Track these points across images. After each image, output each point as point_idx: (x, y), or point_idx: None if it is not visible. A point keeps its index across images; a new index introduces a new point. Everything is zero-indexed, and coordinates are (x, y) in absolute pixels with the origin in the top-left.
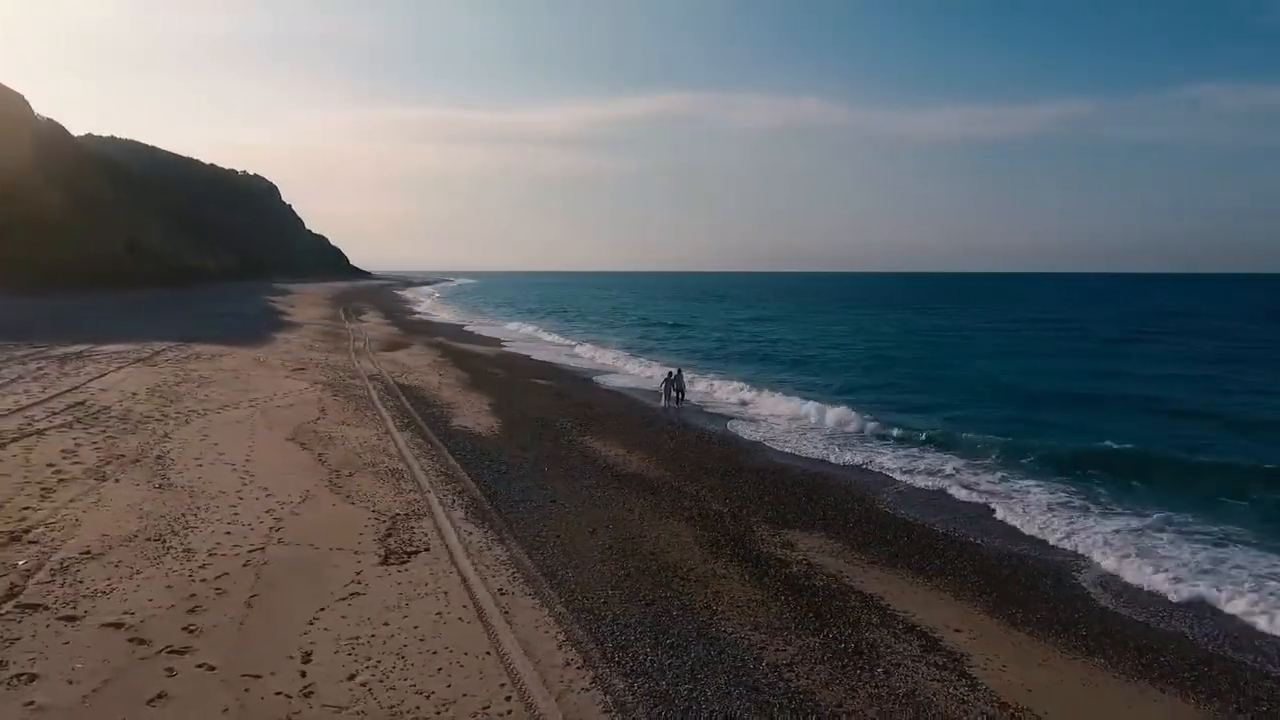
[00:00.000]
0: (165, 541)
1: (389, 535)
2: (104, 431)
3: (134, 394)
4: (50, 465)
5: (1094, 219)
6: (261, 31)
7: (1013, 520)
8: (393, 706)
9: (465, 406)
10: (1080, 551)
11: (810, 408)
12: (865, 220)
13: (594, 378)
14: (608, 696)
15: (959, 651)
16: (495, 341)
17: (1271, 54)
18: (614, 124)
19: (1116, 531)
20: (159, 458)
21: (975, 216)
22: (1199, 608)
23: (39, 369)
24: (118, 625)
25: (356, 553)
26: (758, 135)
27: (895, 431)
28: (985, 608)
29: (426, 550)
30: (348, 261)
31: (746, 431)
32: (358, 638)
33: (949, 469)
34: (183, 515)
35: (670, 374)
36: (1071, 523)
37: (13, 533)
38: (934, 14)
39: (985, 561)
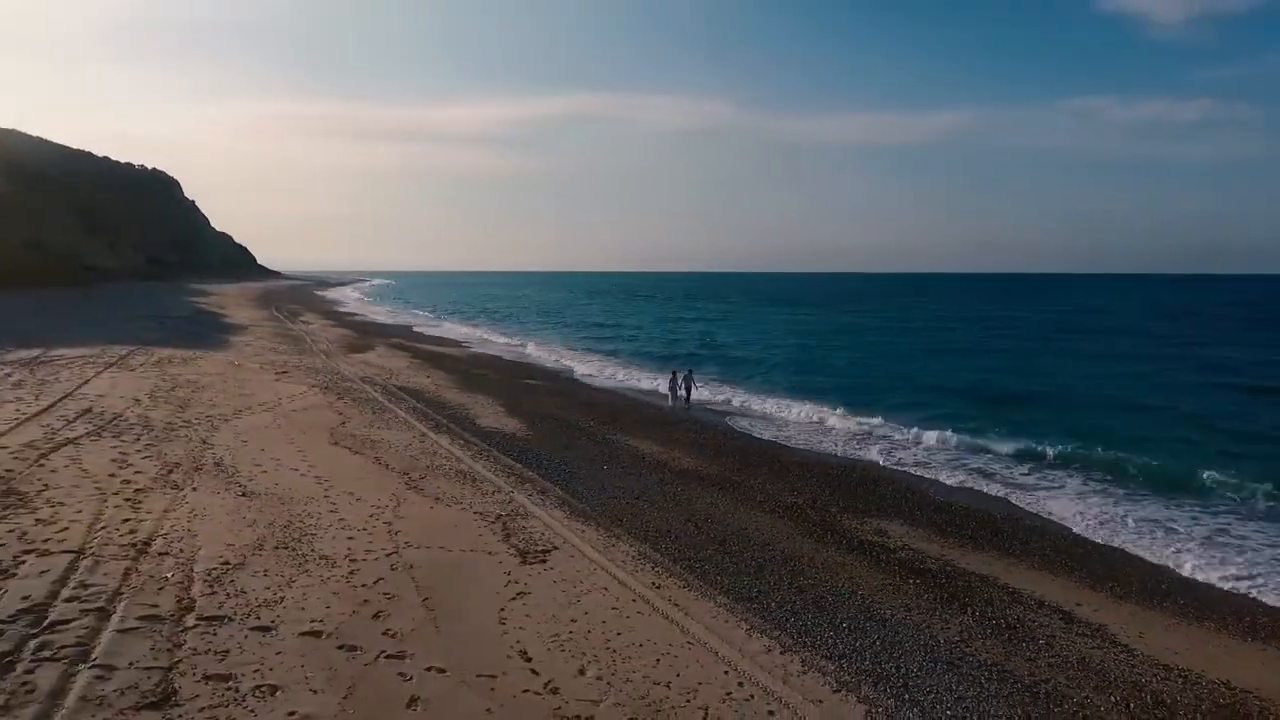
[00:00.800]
0: (294, 549)
1: (509, 535)
2: (139, 439)
3: (137, 400)
4: (112, 475)
5: (994, 222)
6: (150, 14)
7: (1054, 506)
8: (643, 696)
9: (477, 408)
10: (1118, 531)
11: (808, 408)
12: (774, 221)
13: (575, 377)
14: (827, 677)
15: (1095, 622)
16: (455, 343)
17: (1154, 70)
18: (528, 124)
19: (1144, 518)
20: (218, 464)
21: (881, 218)
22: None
23: (5, 374)
24: (316, 634)
25: (491, 553)
26: (670, 136)
27: (892, 428)
28: (1085, 583)
29: (556, 549)
30: (256, 261)
31: (759, 429)
32: (557, 635)
33: (974, 462)
34: (290, 523)
35: (675, 374)
36: (1109, 508)
37: (134, 544)
38: (840, 24)
39: (1058, 542)
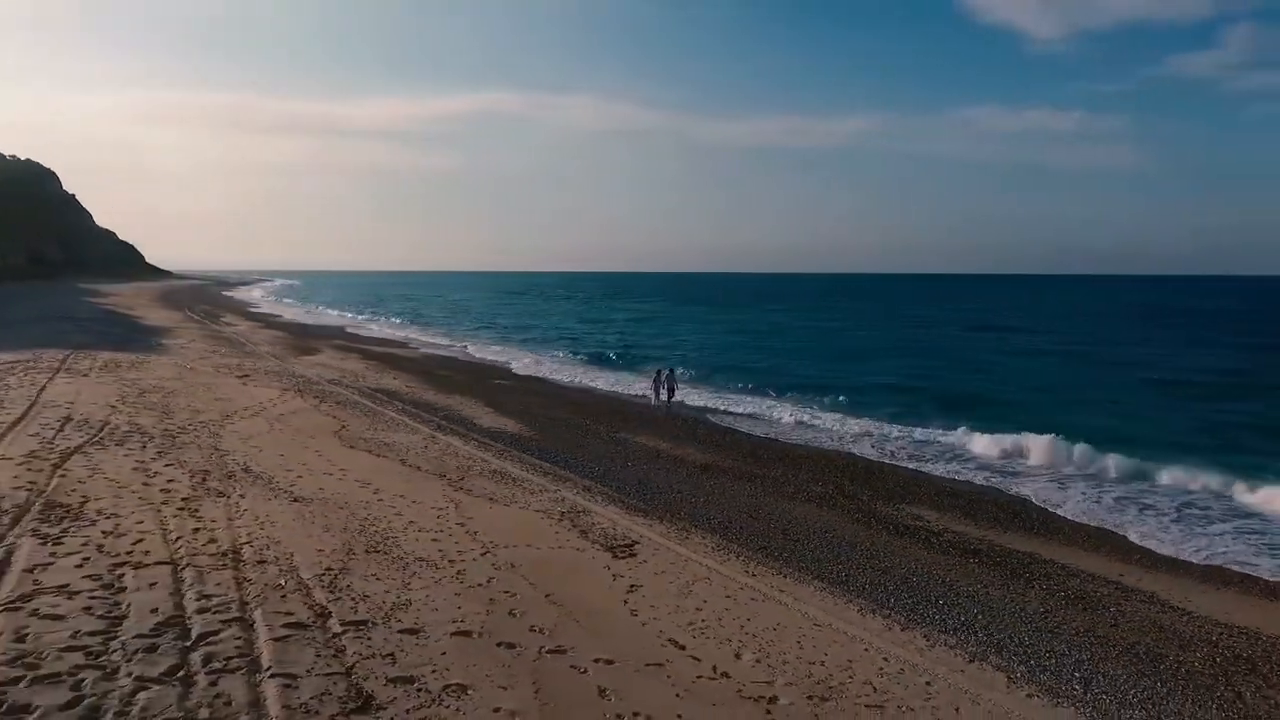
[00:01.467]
0: (387, 552)
1: (584, 532)
2: (145, 447)
3: (113, 406)
4: (145, 484)
5: (900, 224)
6: None
7: (1036, 491)
8: (807, 675)
9: (464, 409)
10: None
11: (787, 406)
12: (692, 222)
13: (541, 377)
14: (955, 650)
15: (1145, 590)
16: (398, 344)
17: (1031, 83)
18: (440, 120)
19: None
20: (247, 470)
21: (797, 220)
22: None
23: None
24: (467, 634)
25: (579, 550)
26: (585, 136)
27: (871, 424)
28: (1114, 557)
29: (637, 543)
30: (144, 260)
31: (744, 425)
32: (691, 623)
33: (967, 453)
34: (363, 527)
35: (659, 374)
36: (1090, 490)
37: (224, 554)
38: (749, 30)
39: (1061, 521)
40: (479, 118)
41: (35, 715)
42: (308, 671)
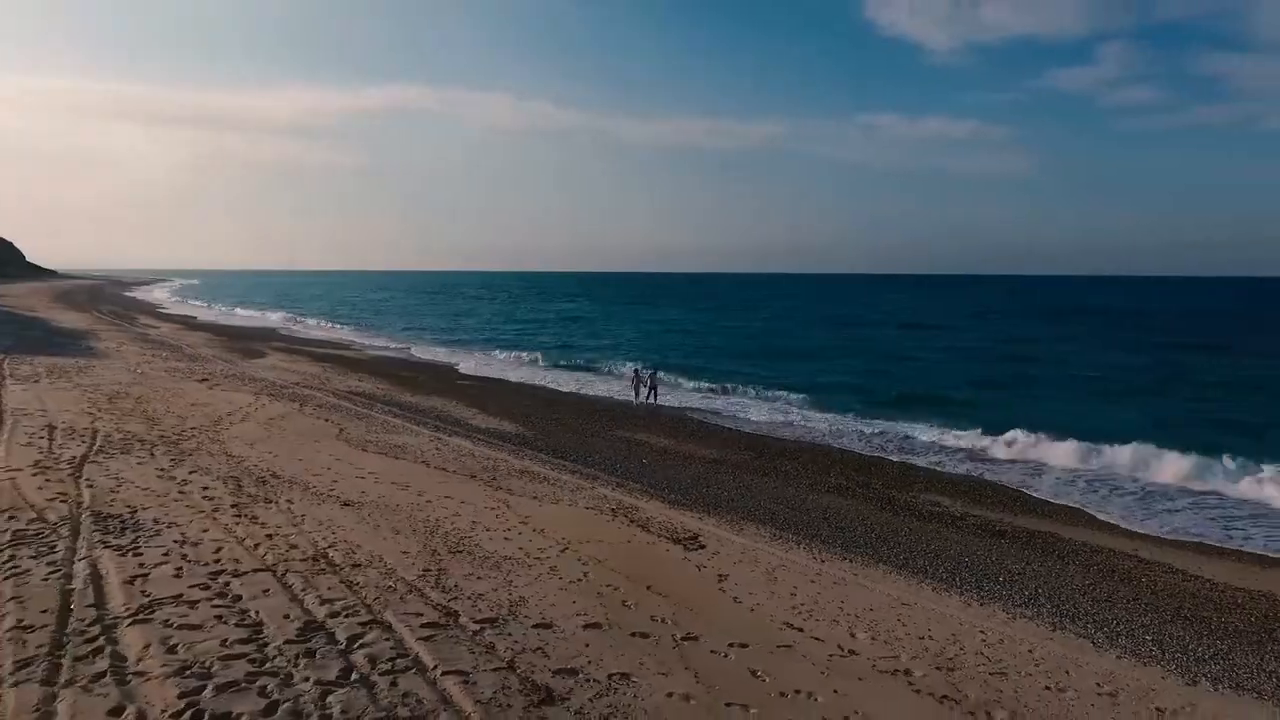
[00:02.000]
0: (470, 553)
1: (645, 526)
2: (153, 455)
3: (91, 414)
4: (181, 492)
5: (807, 225)
6: None
7: (1035, 482)
8: (924, 649)
9: (451, 410)
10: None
11: (762, 403)
12: (610, 221)
13: (503, 379)
14: (1036, 621)
15: (1163, 562)
16: (343, 345)
17: (930, 92)
18: (344, 115)
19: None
20: (277, 476)
21: (713, 220)
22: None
23: None
24: (597, 625)
25: (649, 543)
26: (498, 134)
27: (849, 420)
28: (1120, 534)
29: (699, 535)
30: (24, 258)
31: (729, 422)
32: (795, 607)
33: (945, 446)
34: (432, 529)
35: (639, 372)
36: (1060, 475)
37: (314, 558)
38: (663, 33)
39: (1054, 505)
40: (391, 113)
41: None
42: (473, 668)
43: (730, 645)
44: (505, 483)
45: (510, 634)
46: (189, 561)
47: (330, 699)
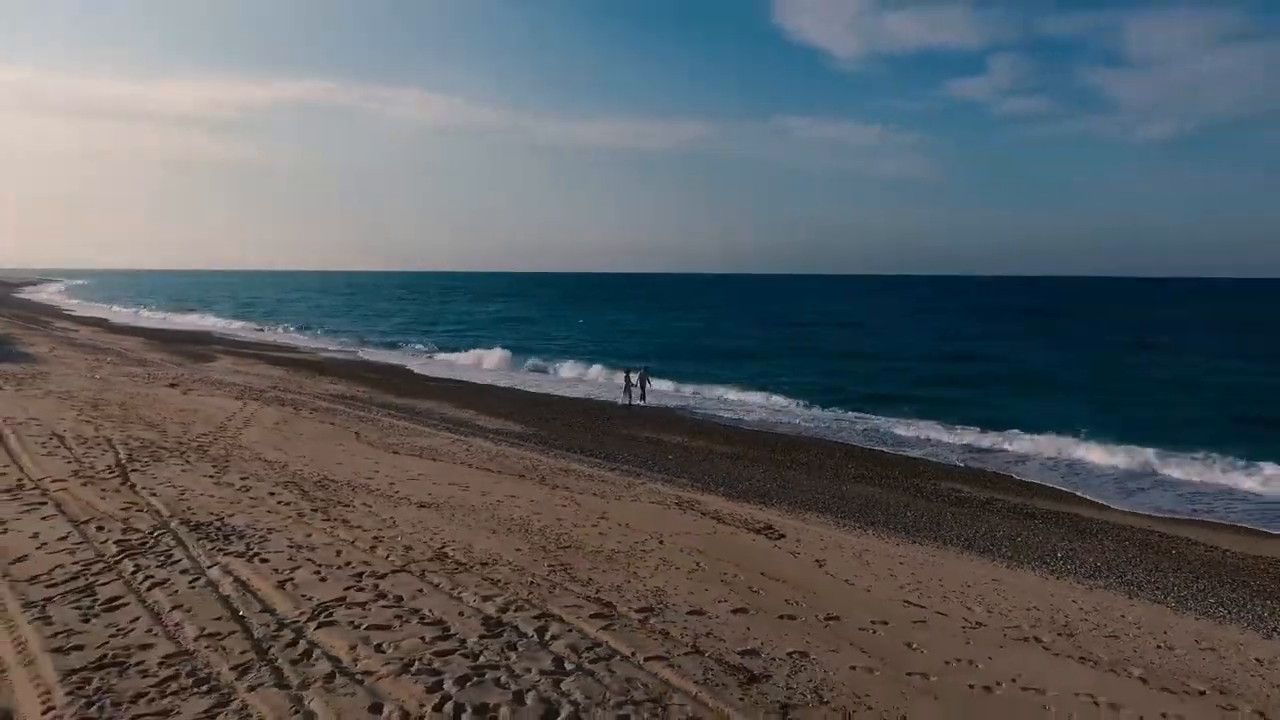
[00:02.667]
0: (578, 548)
1: (718, 517)
2: (189, 462)
3: (85, 421)
4: (253, 499)
5: (731, 226)
6: None
7: (1022, 469)
8: (1039, 618)
9: (448, 411)
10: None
11: (756, 399)
12: (536, 220)
13: (472, 381)
14: (1109, 591)
15: (1180, 536)
16: (289, 348)
17: (837, 97)
18: (252, 107)
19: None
20: (331, 479)
21: (640, 220)
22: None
23: None
24: (744, 610)
25: (732, 533)
26: (420, 131)
27: (833, 414)
28: (1124, 513)
29: (772, 525)
30: None
31: (722, 419)
32: (900, 587)
33: (932, 440)
34: (525, 527)
35: (629, 373)
36: (1044, 461)
37: (434, 557)
38: (584, 33)
39: (1040, 488)
40: (301, 107)
41: (500, 713)
42: (667, 653)
43: (872, 622)
44: (557, 481)
45: (673, 621)
46: (321, 565)
47: (567, 684)
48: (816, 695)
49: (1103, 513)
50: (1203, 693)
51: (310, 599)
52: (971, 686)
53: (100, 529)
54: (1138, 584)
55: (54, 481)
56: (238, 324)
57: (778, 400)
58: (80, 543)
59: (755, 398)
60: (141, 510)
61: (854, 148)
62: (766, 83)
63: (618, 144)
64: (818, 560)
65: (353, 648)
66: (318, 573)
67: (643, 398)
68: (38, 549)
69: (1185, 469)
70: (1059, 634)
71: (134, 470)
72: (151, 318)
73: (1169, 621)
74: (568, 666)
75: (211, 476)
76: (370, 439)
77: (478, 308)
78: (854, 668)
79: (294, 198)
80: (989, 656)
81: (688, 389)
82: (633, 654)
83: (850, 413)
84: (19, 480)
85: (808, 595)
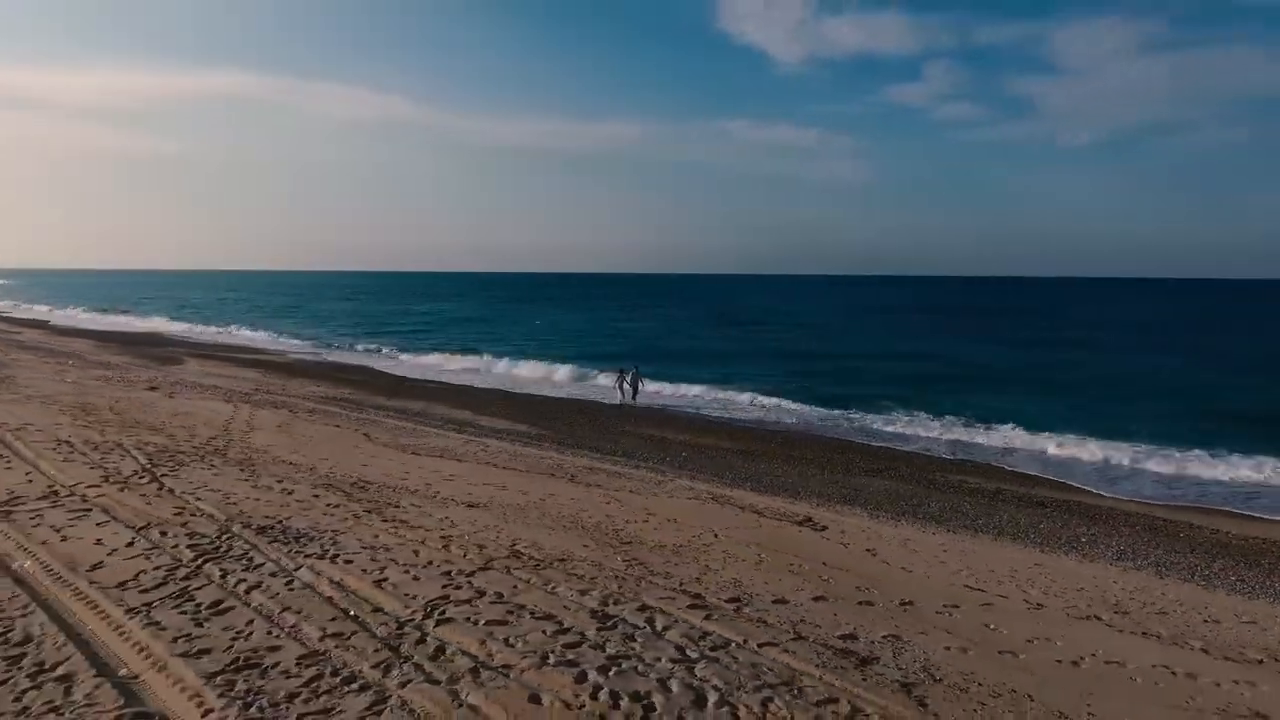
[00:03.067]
0: (643, 543)
1: (758, 511)
2: (214, 466)
3: (83, 425)
4: (299, 501)
5: (668, 225)
6: None
7: (1008, 460)
8: (1091, 598)
9: (445, 413)
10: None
11: (743, 398)
12: (463, 220)
13: (447, 382)
14: (1141, 573)
15: (1184, 521)
16: (254, 349)
17: (774, 102)
18: (166, 99)
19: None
20: (368, 482)
21: (571, 219)
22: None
23: None
24: (822, 598)
25: (777, 525)
26: (344, 128)
27: (818, 412)
28: (1118, 499)
29: (811, 517)
30: None
31: (714, 416)
32: (956, 572)
33: (918, 436)
34: (578, 523)
35: (622, 372)
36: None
37: (510, 554)
38: (514, 33)
39: (1037, 478)
40: (219, 100)
41: (653, 699)
42: (775, 639)
43: (945, 606)
44: (588, 479)
45: (764, 609)
46: (406, 565)
47: (698, 672)
48: (928, 674)
49: (1102, 500)
50: (1260, 661)
51: (414, 597)
52: (1059, 662)
53: (163, 534)
54: (1164, 565)
55: (89, 488)
56: (184, 325)
57: (760, 399)
58: (151, 548)
59: (743, 397)
60: (196, 515)
61: (794, 150)
62: (710, 87)
63: (542, 144)
64: (869, 550)
65: (482, 643)
66: (407, 572)
67: (634, 397)
68: (109, 555)
69: (1156, 461)
70: (1115, 612)
71: (163, 475)
72: (92, 319)
73: (1205, 598)
74: (691, 654)
75: (246, 480)
76: (382, 440)
77: (420, 308)
78: (948, 648)
79: (211, 194)
80: (1062, 634)
81: (667, 389)
82: (744, 641)
83: (835, 410)
84: (51, 487)
85: (874, 583)
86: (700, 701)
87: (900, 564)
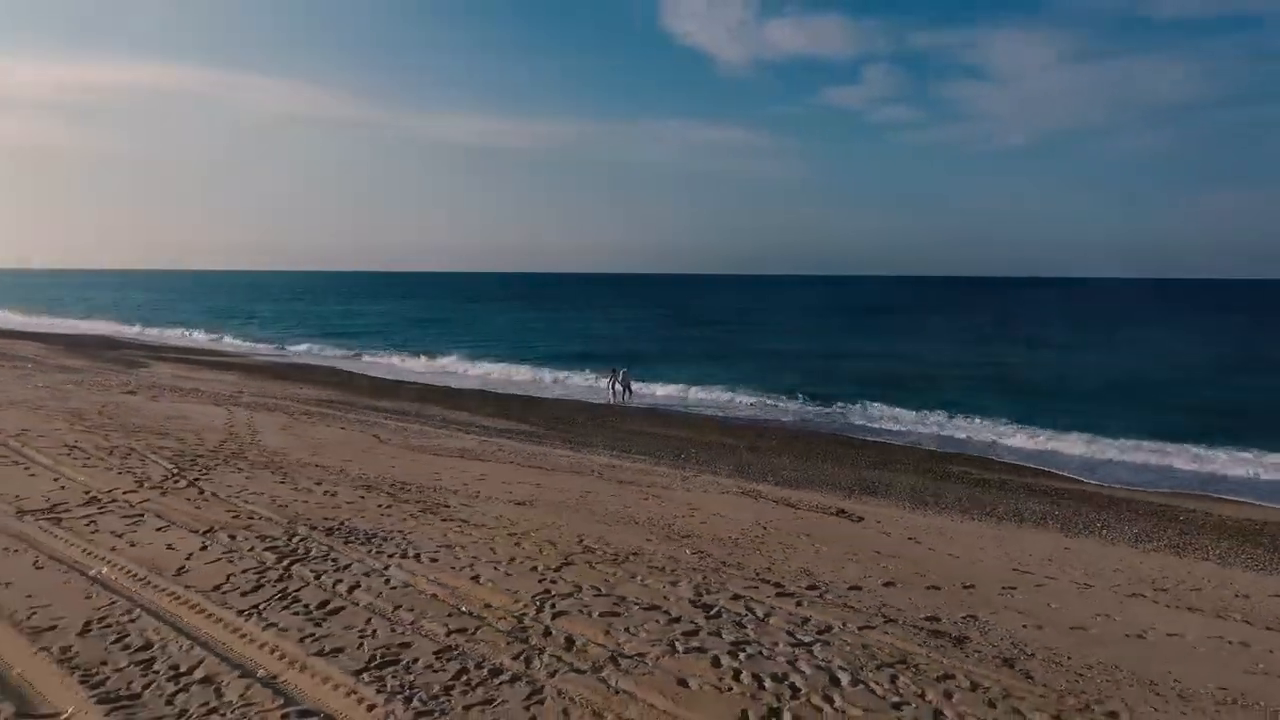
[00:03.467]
0: (700, 537)
1: (792, 506)
2: (240, 470)
3: (84, 431)
4: (349, 504)
5: (618, 224)
6: None
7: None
8: (1142, 579)
9: (443, 414)
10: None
11: (737, 399)
12: (403, 218)
13: (431, 384)
14: (1160, 552)
15: (1172, 505)
16: (218, 351)
17: (715, 103)
18: (90, 90)
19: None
20: (406, 483)
21: (514, 219)
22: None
23: None
24: (891, 584)
25: (819, 519)
26: (281, 122)
27: (815, 409)
28: (1115, 487)
29: (844, 509)
30: None
31: (710, 414)
32: (1002, 557)
33: (912, 432)
34: (628, 519)
35: (615, 372)
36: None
37: (585, 550)
38: (453, 32)
39: (1031, 468)
40: (151, 94)
41: (793, 680)
42: (870, 623)
43: (1004, 588)
44: (618, 477)
45: (844, 595)
46: (490, 562)
47: (817, 654)
48: (1020, 650)
49: (1100, 489)
50: None
51: (517, 593)
52: (1127, 635)
53: (232, 538)
54: (1179, 546)
55: (125, 493)
56: (133, 328)
57: (745, 397)
58: (227, 552)
59: (727, 395)
60: (253, 518)
61: (736, 150)
62: (652, 86)
63: (479, 141)
64: (911, 539)
65: (606, 633)
66: (497, 569)
67: (625, 396)
68: (187, 560)
69: (1124, 450)
70: (1156, 589)
71: (196, 480)
72: (24, 321)
73: (1226, 575)
74: (803, 638)
75: (283, 484)
76: (395, 442)
77: (376, 307)
78: (1025, 626)
79: (144, 192)
80: (1118, 611)
81: (647, 388)
82: (844, 625)
83: (821, 406)
84: (89, 493)
85: (930, 569)
86: (835, 681)
87: (945, 551)
